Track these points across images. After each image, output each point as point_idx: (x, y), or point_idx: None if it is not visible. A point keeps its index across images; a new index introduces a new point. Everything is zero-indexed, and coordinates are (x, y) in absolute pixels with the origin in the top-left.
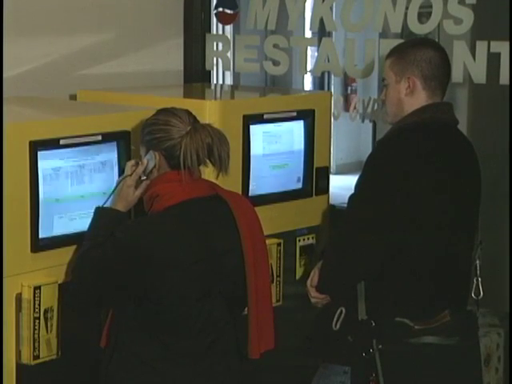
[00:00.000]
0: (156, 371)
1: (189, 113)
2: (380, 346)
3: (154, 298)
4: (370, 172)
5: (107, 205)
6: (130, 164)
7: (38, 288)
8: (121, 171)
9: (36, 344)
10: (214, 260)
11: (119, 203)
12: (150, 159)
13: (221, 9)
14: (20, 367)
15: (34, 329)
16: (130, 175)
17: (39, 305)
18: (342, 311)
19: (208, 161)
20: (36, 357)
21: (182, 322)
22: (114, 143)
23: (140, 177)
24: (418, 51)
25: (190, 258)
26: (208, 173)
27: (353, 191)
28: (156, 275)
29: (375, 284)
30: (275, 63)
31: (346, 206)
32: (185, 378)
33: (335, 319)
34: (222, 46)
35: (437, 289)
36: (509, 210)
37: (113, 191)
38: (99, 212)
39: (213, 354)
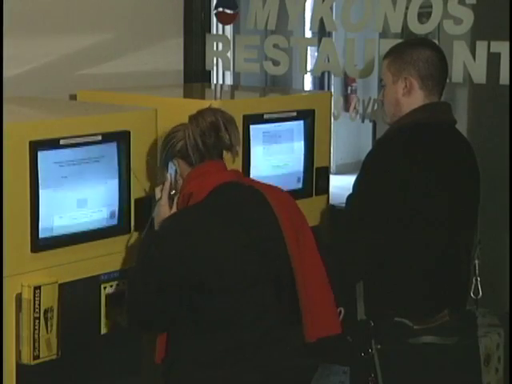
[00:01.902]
0: (217, 373)
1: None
2: (379, 346)
3: (204, 293)
4: (368, 172)
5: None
6: (158, 189)
7: (38, 288)
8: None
9: (36, 344)
10: (256, 247)
11: None
12: (171, 168)
13: (221, 9)
14: (20, 367)
15: (34, 329)
16: (161, 197)
17: (39, 305)
18: (340, 311)
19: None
20: (36, 357)
21: (234, 314)
22: (114, 143)
23: (170, 193)
24: (415, 51)
25: (231, 246)
26: None
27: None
28: (201, 268)
29: (374, 284)
30: (275, 63)
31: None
32: (245, 371)
33: None
34: (222, 46)
35: (436, 288)
36: (509, 210)
37: (150, 220)
38: None
39: (269, 343)
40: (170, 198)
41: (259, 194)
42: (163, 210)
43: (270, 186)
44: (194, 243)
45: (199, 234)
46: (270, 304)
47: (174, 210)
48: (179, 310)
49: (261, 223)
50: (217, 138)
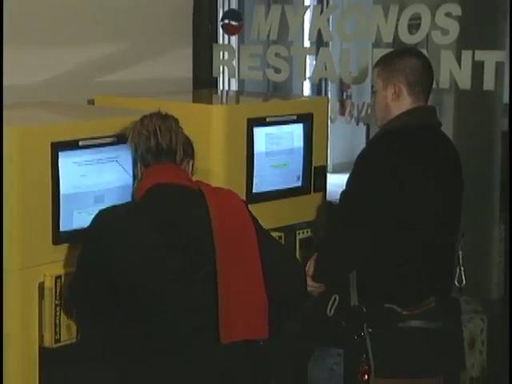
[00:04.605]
0: (143, 367)
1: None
2: (370, 330)
3: (125, 290)
4: (359, 170)
5: None
6: None
7: (58, 277)
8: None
9: (57, 328)
10: (178, 246)
11: None
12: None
13: (227, 21)
14: (43, 350)
15: (56, 315)
16: None
17: (60, 293)
18: (335, 298)
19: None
20: (57, 340)
21: (157, 310)
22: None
23: None
24: (403, 60)
25: (151, 243)
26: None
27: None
28: (118, 263)
29: (366, 274)
30: (277, 71)
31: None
32: (172, 368)
33: (330, 306)
34: (228, 55)
35: (423, 278)
36: (509, 210)
37: None
38: None
39: (199, 342)
40: None
41: (198, 196)
42: None
43: (218, 191)
44: (114, 239)
45: (121, 230)
46: (202, 303)
47: None
48: (108, 305)
49: (189, 222)
50: (157, 149)
